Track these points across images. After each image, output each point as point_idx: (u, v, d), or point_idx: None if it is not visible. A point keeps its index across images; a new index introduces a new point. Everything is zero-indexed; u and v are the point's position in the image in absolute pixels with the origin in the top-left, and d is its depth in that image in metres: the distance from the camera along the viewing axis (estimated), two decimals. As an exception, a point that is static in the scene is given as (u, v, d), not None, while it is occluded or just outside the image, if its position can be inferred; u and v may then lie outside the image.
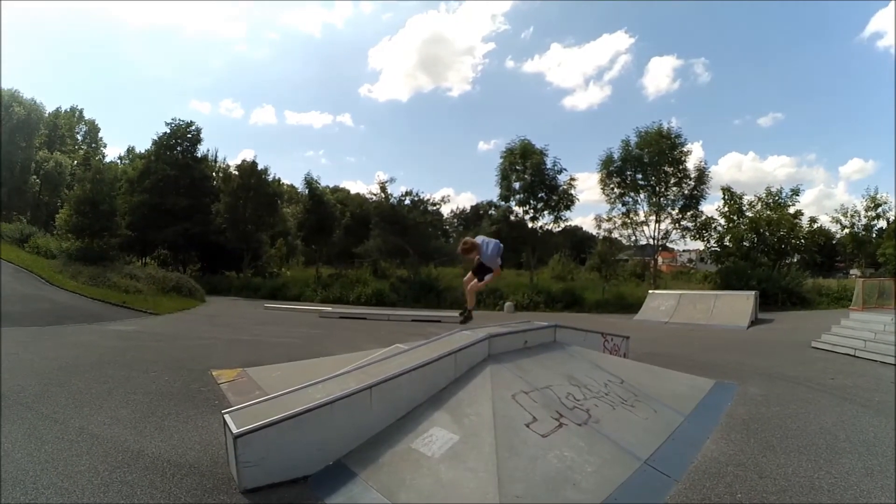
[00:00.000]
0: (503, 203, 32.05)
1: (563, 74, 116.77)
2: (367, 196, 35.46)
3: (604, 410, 5.03)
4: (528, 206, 30.95)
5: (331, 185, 53.39)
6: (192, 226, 36.45)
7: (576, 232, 52.77)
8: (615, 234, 32.90)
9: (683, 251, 44.61)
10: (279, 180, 41.39)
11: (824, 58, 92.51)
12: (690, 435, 5.02)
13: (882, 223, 34.65)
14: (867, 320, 11.61)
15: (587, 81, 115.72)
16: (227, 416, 3.93)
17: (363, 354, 7.52)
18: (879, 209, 32.94)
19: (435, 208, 32.96)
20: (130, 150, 50.91)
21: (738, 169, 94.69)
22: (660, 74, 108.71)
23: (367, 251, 32.59)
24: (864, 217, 33.54)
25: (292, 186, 49.91)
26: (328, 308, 21.90)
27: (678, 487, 3.95)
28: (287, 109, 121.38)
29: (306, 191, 35.61)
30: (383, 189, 31.91)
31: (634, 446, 4.48)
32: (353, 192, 51.98)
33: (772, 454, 4.68)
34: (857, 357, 10.40)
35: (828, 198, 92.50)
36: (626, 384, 5.69)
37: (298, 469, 3.84)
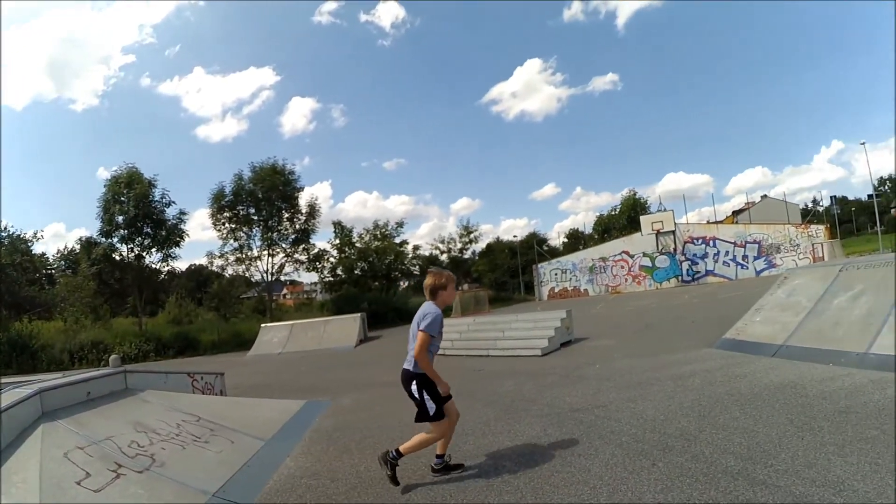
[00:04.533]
0: (105, 239, 27.92)
1: (202, 102, 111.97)
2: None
3: (171, 452, 4.72)
4: (133, 243, 27.84)
5: None
6: None
7: (201, 271, 49.52)
8: (229, 271, 32.73)
9: (310, 284, 47.78)
10: None
11: (449, 116, 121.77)
12: (268, 458, 5.16)
13: (480, 245, 49.48)
14: (456, 324, 14.39)
15: (225, 112, 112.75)
16: None
17: None
18: (471, 235, 46.60)
19: (25, 246, 26.55)
20: None
21: (363, 206, 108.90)
22: (298, 114, 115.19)
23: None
24: (460, 242, 46.47)
25: None
26: None
27: (247, 512, 3.95)
28: None
29: None
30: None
31: (203, 481, 4.33)
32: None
33: (347, 457, 5.15)
34: (446, 355, 12.64)
35: (441, 230, 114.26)
36: (202, 421, 5.48)
37: None
